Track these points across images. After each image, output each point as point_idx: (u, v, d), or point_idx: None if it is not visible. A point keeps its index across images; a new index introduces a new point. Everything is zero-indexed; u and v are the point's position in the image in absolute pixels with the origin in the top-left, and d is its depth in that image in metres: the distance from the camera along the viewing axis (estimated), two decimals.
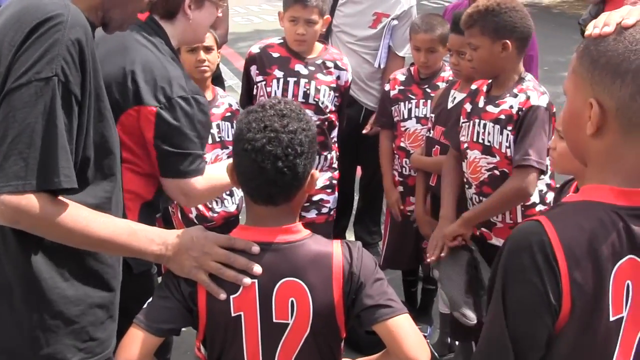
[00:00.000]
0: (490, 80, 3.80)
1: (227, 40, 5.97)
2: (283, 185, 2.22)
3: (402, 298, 4.95)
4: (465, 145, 3.83)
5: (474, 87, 3.97)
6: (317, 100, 4.47)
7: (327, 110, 4.54)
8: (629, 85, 1.67)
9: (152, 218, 3.03)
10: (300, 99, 4.42)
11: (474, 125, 3.77)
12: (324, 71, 4.53)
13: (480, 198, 3.83)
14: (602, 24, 1.75)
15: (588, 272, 1.66)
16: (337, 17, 5.43)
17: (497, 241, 3.83)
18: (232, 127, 4.33)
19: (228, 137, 4.31)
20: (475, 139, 3.77)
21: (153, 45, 2.90)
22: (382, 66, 5.43)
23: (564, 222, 1.71)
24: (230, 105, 4.45)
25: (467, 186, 3.93)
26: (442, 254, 3.87)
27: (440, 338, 4.79)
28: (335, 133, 4.73)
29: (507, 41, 3.60)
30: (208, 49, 4.32)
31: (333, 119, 4.63)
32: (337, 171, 4.81)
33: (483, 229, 3.91)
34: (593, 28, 1.76)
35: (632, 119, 1.70)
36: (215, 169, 2.97)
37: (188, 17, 2.96)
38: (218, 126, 4.30)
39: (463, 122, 3.88)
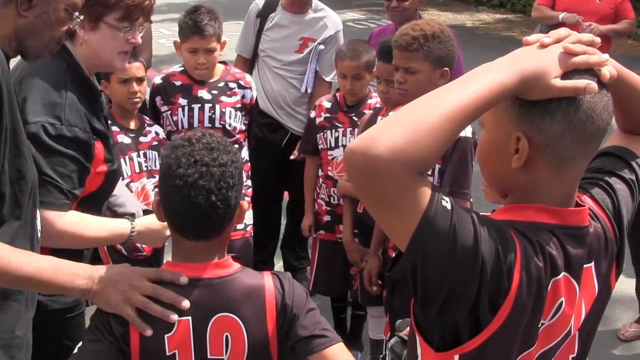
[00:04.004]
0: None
1: (151, 65, 5.92)
2: (216, 220, 2.20)
3: (331, 324, 4.93)
4: None
5: (379, 118, 3.97)
6: (223, 123, 4.52)
7: (236, 132, 4.58)
8: (559, 122, 1.68)
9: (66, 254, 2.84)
10: (206, 124, 4.48)
11: None
12: (228, 93, 4.59)
13: None
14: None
15: (533, 279, 1.66)
16: (263, 42, 5.45)
17: None
18: (159, 156, 4.28)
19: (155, 166, 4.26)
20: None
21: (40, 66, 2.75)
22: (309, 91, 5.44)
23: (519, 230, 1.70)
24: (157, 134, 4.40)
25: None
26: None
27: None
28: (244, 153, 4.75)
29: (447, 69, 3.60)
30: (140, 80, 4.28)
31: (242, 139, 4.67)
32: (250, 188, 4.81)
33: (391, 263, 3.90)
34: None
35: (561, 154, 1.71)
36: (92, 221, 2.83)
37: (80, 38, 2.84)
38: (145, 155, 4.24)
39: None
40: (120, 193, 3.43)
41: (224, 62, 4.73)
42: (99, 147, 2.86)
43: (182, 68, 4.61)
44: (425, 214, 1.55)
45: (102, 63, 2.97)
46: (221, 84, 4.58)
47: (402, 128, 1.54)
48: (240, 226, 4.65)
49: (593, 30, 6.55)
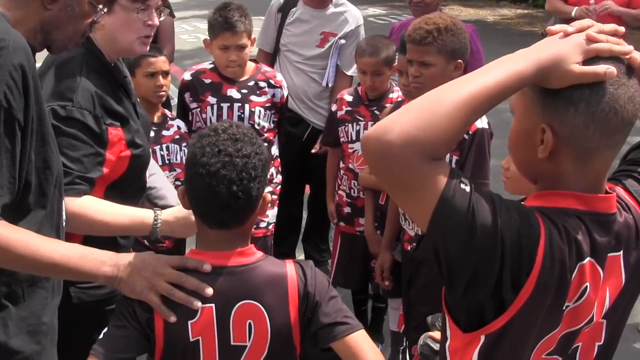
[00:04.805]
0: None
1: (174, 59, 5.96)
2: (237, 209, 2.23)
3: None
4: None
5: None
6: (252, 122, 4.51)
7: (265, 131, 4.58)
8: (582, 114, 1.70)
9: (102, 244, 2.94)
10: None
11: None
12: (257, 92, 4.59)
13: None
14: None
15: (557, 261, 1.69)
16: (284, 37, 5.48)
17: None
18: (180, 149, 4.34)
19: (176, 159, 4.32)
20: None
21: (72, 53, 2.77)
22: (330, 85, 5.47)
23: (545, 214, 1.74)
24: (179, 128, 4.47)
25: None
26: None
27: (391, 356, 4.81)
28: (275, 149, 4.77)
29: (461, 61, 3.62)
30: (165, 74, 4.33)
31: (271, 137, 4.68)
32: (279, 186, 4.84)
33: (415, 245, 3.94)
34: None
35: (585, 145, 1.74)
36: (106, 207, 2.80)
37: (101, 23, 2.79)
38: (167, 148, 4.31)
39: None
40: (161, 185, 3.44)
41: (254, 60, 4.74)
42: (115, 132, 2.85)
43: (212, 65, 4.62)
44: (443, 195, 1.61)
45: (120, 47, 2.95)
46: (251, 83, 4.59)
47: (414, 115, 1.61)
48: (262, 224, 4.69)
49: (607, 10, 6.65)
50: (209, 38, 4.55)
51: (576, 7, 6.93)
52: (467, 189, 1.64)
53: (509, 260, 1.65)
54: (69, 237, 2.63)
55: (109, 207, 2.81)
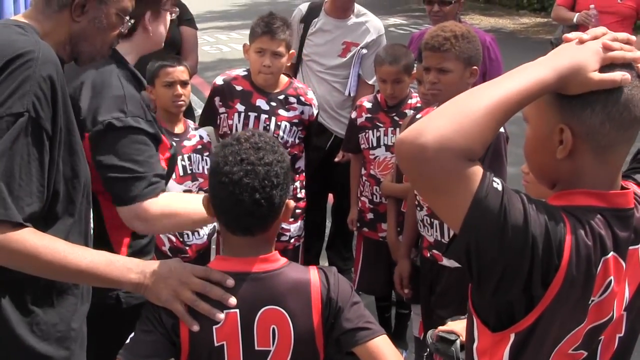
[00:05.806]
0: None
1: (197, 71, 6.00)
2: (260, 216, 2.27)
3: None
4: None
5: (419, 116, 4.02)
6: (276, 136, 4.47)
7: (288, 145, 4.55)
8: (599, 114, 1.78)
9: (144, 249, 2.99)
10: None
11: None
12: (286, 106, 4.56)
13: (432, 220, 3.92)
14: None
15: (582, 256, 1.74)
16: (307, 47, 5.52)
17: (447, 262, 3.87)
18: (202, 159, 4.38)
19: (198, 169, 4.35)
20: None
21: (92, 66, 2.79)
22: (352, 94, 5.50)
23: (569, 212, 1.79)
24: (202, 138, 4.49)
25: (418, 208, 4.04)
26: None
27: None
28: (300, 163, 4.78)
29: (476, 68, 3.67)
30: (184, 83, 4.36)
31: (296, 152, 4.67)
32: (303, 200, 4.84)
33: (434, 251, 3.98)
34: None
35: (602, 142, 1.81)
36: (183, 199, 2.89)
37: (148, 32, 2.92)
38: (189, 158, 4.33)
39: None
40: None
41: (288, 75, 4.75)
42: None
43: (245, 73, 4.60)
44: (476, 196, 1.65)
45: (155, 46, 3.04)
46: (281, 97, 4.56)
47: (447, 118, 1.66)
48: (284, 238, 4.69)
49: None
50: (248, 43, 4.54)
51: (577, 14, 6.97)
52: (499, 187, 1.69)
53: (539, 258, 1.69)
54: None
55: (185, 199, 2.86)
